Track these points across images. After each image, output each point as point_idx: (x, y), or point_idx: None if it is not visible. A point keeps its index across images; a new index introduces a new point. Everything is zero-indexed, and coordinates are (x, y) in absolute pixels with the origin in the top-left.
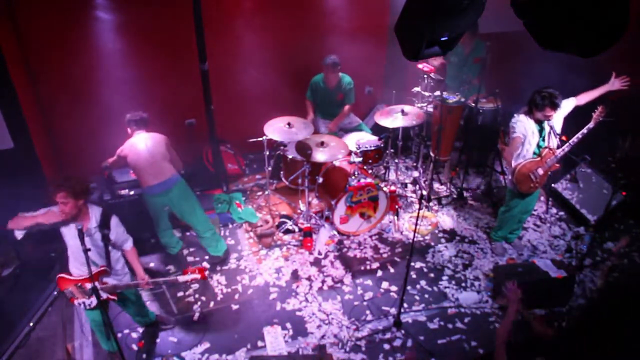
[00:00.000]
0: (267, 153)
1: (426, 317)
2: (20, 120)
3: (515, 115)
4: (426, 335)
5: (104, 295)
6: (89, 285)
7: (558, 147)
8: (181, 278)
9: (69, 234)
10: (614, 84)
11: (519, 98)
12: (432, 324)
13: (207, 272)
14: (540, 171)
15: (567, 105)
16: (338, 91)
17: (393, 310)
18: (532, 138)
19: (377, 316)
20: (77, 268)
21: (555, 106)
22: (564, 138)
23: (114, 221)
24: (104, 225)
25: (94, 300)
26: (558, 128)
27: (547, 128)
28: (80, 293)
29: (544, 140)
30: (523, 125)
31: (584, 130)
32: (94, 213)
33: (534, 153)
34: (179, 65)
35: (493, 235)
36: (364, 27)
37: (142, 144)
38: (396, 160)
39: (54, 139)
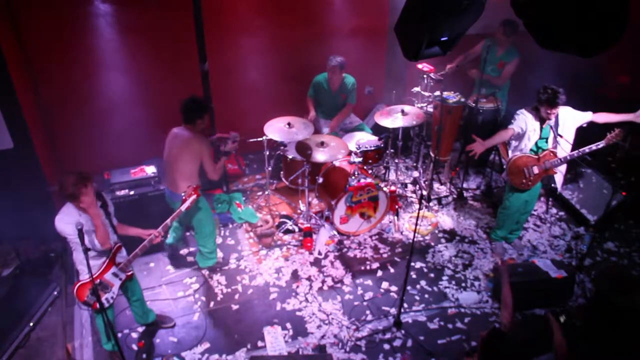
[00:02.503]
0: (267, 153)
1: (426, 317)
2: (21, 120)
3: (522, 109)
4: (426, 335)
5: (123, 276)
6: (107, 277)
7: (556, 148)
8: (183, 207)
9: (84, 222)
10: None
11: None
12: (432, 324)
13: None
14: (536, 170)
15: (581, 116)
16: (341, 92)
17: (393, 310)
18: (532, 134)
19: (377, 316)
20: (94, 261)
21: (553, 104)
22: (562, 137)
23: (105, 195)
24: (103, 201)
25: (115, 290)
26: (570, 138)
27: (552, 132)
28: (101, 290)
29: (546, 142)
30: (524, 120)
31: (592, 147)
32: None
33: (532, 150)
34: (179, 65)
35: (493, 235)
36: (364, 27)
37: (170, 140)
38: (396, 160)
39: (54, 139)
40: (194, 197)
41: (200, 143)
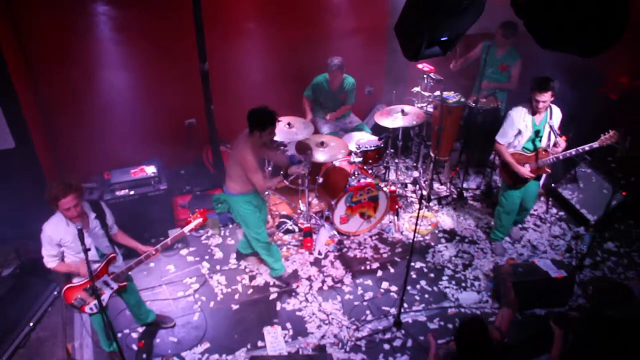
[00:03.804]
0: None
1: (426, 317)
2: (21, 120)
3: (513, 108)
4: (426, 335)
5: (115, 286)
6: (97, 284)
7: (554, 146)
8: (186, 229)
9: (67, 237)
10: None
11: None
12: (432, 324)
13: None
14: (528, 167)
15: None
16: (341, 92)
17: (393, 310)
18: (525, 131)
19: (377, 316)
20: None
21: (542, 88)
22: (564, 138)
23: (104, 205)
24: (100, 212)
25: (105, 298)
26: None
27: (546, 128)
28: (90, 296)
29: (540, 140)
30: (511, 121)
31: (586, 147)
32: (87, 207)
33: (525, 148)
34: (179, 65)
35: (492, 235)
36: (364, 27)
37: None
38: (396, 160)
39: (54, 139)
40: (199, 220)
41: (246, 154)
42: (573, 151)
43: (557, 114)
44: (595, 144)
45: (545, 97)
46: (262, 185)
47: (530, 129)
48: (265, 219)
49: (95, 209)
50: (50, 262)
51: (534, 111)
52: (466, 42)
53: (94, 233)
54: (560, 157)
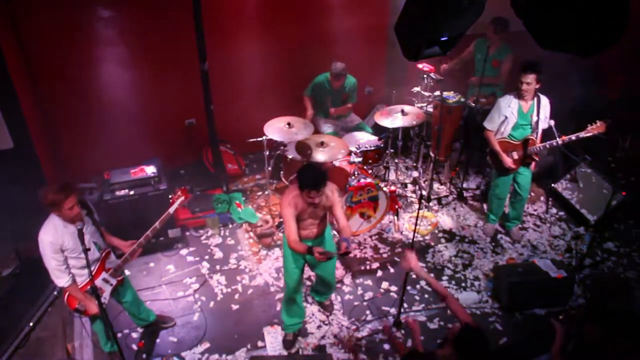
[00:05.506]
0: (267, 153)
1: (426, 317)
2: (20, 120)
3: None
4: (426, 335)
5: (114, 282)
6: (97, 283)
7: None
8: (171, 209)
9: (67, 239)
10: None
11: None
12: (432, 324)
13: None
14: (515, 155)
15: (547, 116)
16: (342, 92)
17: (393, 310)
18: (510, 117)
19: (377, 316)
20: (80, 270)
21: (525, 70)
22: (563, 138)
23: (89, 202)
24: (88, 209)
25: (106, 296)
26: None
27: (534, 117)
28: (92, 296)
29: (531, 128)
30: (499, 103)
31: (572, 137)
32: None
33: (511, 135)
34: (179, 65)
35: (487, 218)
36: (364, 27)
37: None
38: (396, 160)
39: (54, 139)
40: (181, 199)
41: (284, 201)
42: (559, 140)
43: (545, 103)
44: (582, 134)
45: (529, 79)
46: (288, 237)
47: (515, 115)
48: (324, 277)
49: (84, 207)
50: (61, 278)
51: (520, 95)
52: (461, 41)
53: (90, 230)
54: (547, 146)
